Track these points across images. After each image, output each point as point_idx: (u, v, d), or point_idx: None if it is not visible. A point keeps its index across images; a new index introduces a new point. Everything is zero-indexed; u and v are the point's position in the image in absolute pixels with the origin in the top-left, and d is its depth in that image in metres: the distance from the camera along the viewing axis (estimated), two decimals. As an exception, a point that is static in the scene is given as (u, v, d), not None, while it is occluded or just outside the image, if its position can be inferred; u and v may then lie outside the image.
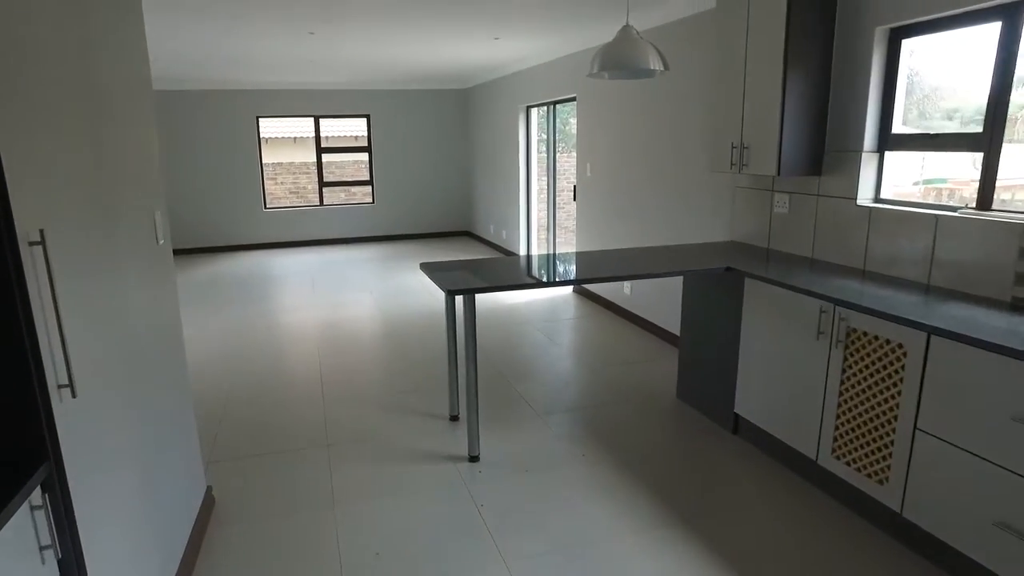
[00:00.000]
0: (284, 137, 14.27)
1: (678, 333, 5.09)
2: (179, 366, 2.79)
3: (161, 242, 2.60)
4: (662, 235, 5.44)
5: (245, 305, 7.00)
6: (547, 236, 8.43)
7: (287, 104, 10.23)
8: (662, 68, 3.12)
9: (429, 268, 3.69)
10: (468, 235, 11.34)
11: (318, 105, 10.35)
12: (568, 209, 8.77)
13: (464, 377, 3.44)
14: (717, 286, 3.81)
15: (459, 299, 3.51)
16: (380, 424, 4.01)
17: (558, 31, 6.10)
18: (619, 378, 4.72)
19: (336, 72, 8.96)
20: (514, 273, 3.65)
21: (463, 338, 3.45)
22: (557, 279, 3.54)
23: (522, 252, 9.00)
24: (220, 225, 10.28)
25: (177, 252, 10.11)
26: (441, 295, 6.72)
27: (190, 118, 9.83)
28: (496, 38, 6.41)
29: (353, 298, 7.22)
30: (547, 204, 8.38)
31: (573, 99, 7.11)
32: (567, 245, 8.54)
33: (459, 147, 11.09)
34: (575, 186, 7.15)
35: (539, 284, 3.38)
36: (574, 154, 9.10)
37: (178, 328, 2.86)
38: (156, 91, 9.52)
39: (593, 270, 3.76)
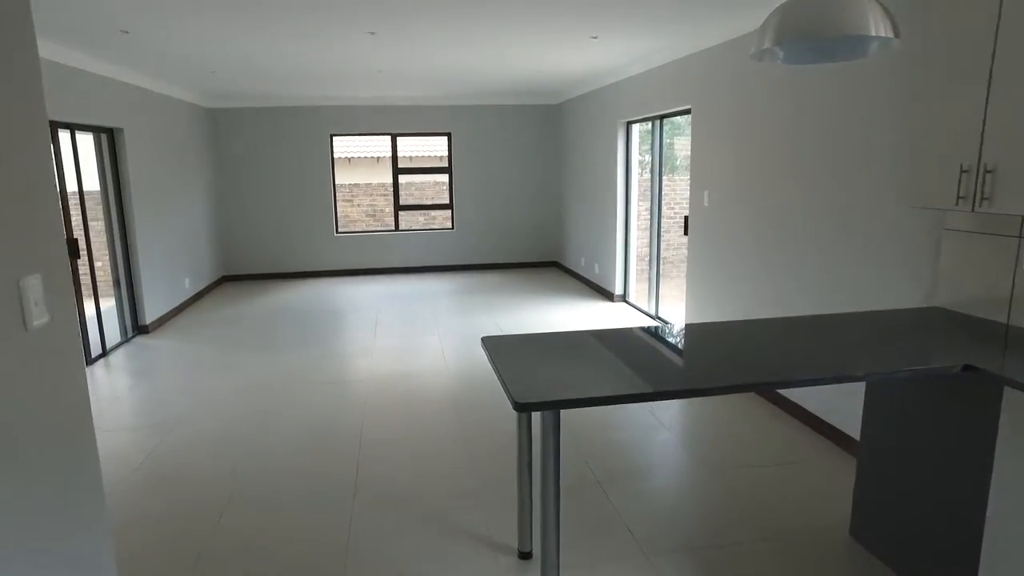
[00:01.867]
0: (367, 157, 13.69)
1: (848, 431, 3.69)
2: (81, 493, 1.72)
3: (37, 323, 1.53)
4: (811, 290, 4.06)
5: (292, 349, 6.10)
6: (648, 272, 7.15)
7: (362, 121, 9.47)
8: (890, 35, 1.85)
9: (495, 350, 2.54)
10: (556, 267, 10.18)
11: (395, 122, 9.53)
12: (672, 240, 7.46)
13: (540, 507, 2.29)
14: (936, 387, 2.45)
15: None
16: (422, 554, 2.87)
17: (668, 27, 4.88)
18: (757, 491, 3.39)
19: (410, 85, 8.08)
20: (616, 369, 2.43)
21: (540, 456, 2.27)
22: (692, 386, 2.27)
23: (617, 290, 7.73)
24: (289, 250, 9.61)
25: (243, 278, 9.50)
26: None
27: (260, 137, 9.23)
28: (594, 36, 5.26)
29: (418, 344, 6.18)
30: (649, 235, 7.10)
31: (686, 112, 5.84)
32: (672, 285, 7.21)
33: (548, 169, 9.98)
34: (686, 217, 5.85)
35: (661, 395, 2.14)
36: (683, 178, 7.79)
37: (85, 446, 1.79)
38: (219, 109, 9.00)
39: (732, 361, 2.49)
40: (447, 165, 9.91)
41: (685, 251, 5.89)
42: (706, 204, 5.39)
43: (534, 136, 9.88)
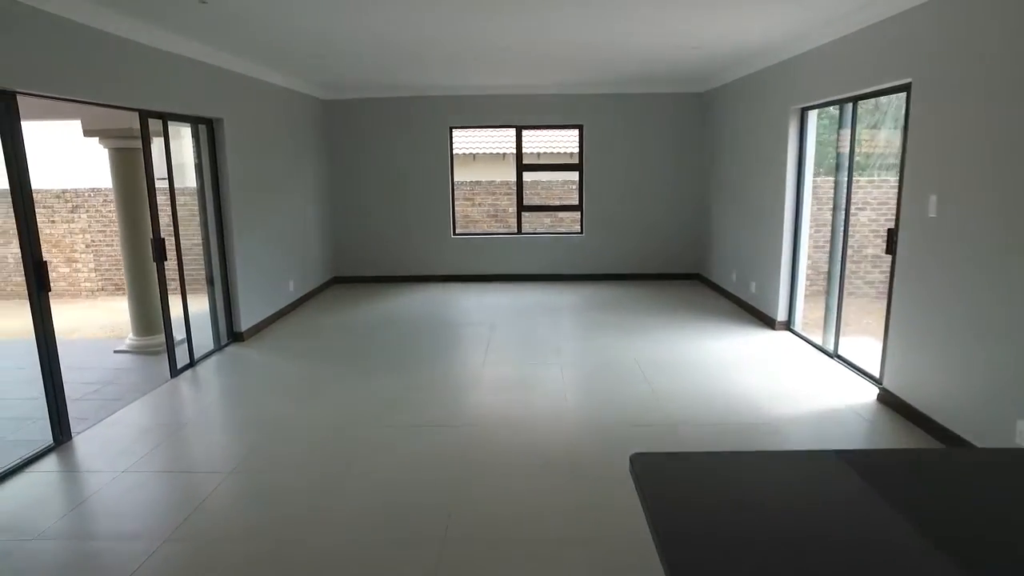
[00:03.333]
0: (490, 153, 12.90)
1: None
2: None
3: None
4: None
5: (389, 372, 5.26)
6: (825, 298, 5.66)
7: (485, 113, 8.58)
8: None
9: (651, 486, 1.44)
10: (699, 281, 8.78)
11: (521, 114, 8.55)
12: (863, 260, 5.91)
13: None
14: None
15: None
16: None
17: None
18: None
19: (540, 70, 7.05)
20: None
21: None
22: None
23: (779, 315, 6.28)
24: (402, 251, 8.92)
25: (354, 280, 8.92)
26: (673, 391, 4.40)
27: (375, 130, 8.59)
28: (778, -11, 3.96)
29: (535, 376, 5.14)
30: (830, 250, 5.61)
31: (900, 89, 4.37)
32: (855, 313, 5.68)
33: (692, 167, 8.61)
34: (891, 230, 4.40)
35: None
36: (886, 180, 6.19)
37: None
38: (333, 100, 8.42)
39: None
40: (577, 162, 8.80)
41: (872, 273, 4.42)
42: (932, 214, 3.91)
43: (677, 129, 8.54)
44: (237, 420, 4.43)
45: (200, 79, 5.42)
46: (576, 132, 8.78)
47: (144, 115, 4.79)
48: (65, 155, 14.82)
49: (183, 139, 5.61)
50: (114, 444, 4.02)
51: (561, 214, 10.46)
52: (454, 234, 8.94)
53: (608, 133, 8.54)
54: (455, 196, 8.98)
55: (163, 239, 5.03)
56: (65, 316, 8.57)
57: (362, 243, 8.89)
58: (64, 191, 10.00)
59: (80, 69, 4.07)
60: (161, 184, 5.03)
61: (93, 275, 10.05)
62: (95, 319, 8.27)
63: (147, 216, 5.14)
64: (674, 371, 5.11)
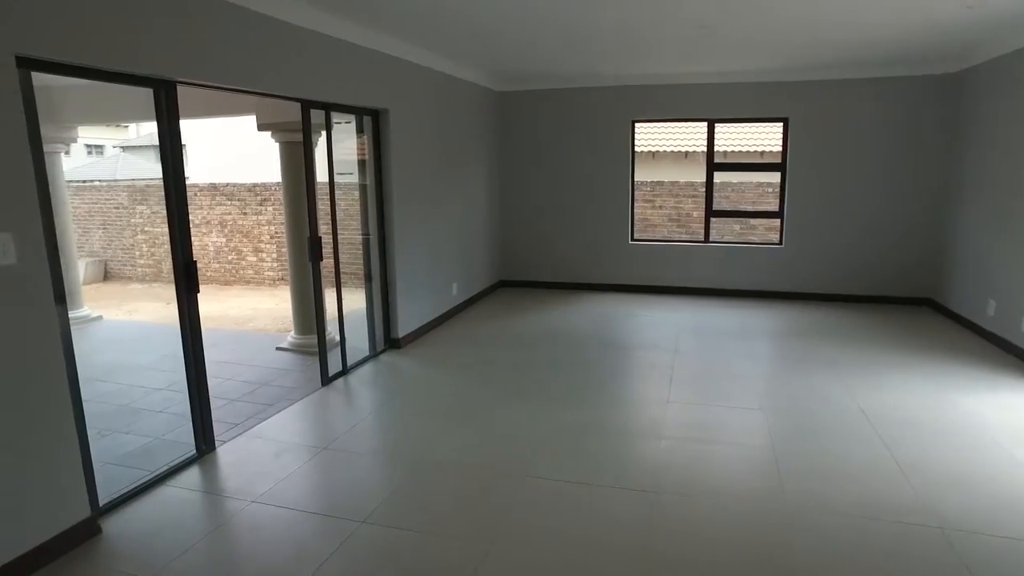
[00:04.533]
0: (672, 151, 11.79)
1: None
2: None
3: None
4: None
5: (550, 400, 4.53)
6: None
7: (671, 105, 7.58)
8: None
9: None
10: (930, 307, 7.14)
11: (713, 105, 7.45)
12: None
13: None
14: None
15: None
16: None
17: None
18: None
19: (740, 54, 5.97)
20: None
21: None
22: None
23: (1067, 365, 4.71)
24: (575, 256, 8.18)
25: (522, 285, 8.35)
26: (927, 466, 3.21)
27: (550, 124, 7.92)
28: None
29: (731, 423, 4.15)
30: None
31: None
32: None
33: (929, 166, 6.97)
34: None
35: None
36: None
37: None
38: (507, 92, 7.85)
39: None
40: (780, 161, 7.53)
41: None
42: None
43: (908, 120, 6.95)
44: (382, 448, 3.93)
45: (365, 67, 5.05)
46: (777, 126, 7.52)
47: (306, 105, 4.48)
48: (259, 151, 15.87)
49: (346, 131, 5.29)
50: (253, 462, 3.68)
51: (754, 221, 9.18)
52: (632, 240, 8.04)
53: (819, 126, 7.17)
54: (634, 198, 8.08)
55: (319, 238, 4.70)
56: (247, 303, 8.90)
57: (531, 246, 8.30)
58: (255, 185, 10.50)
59: (237, 56, 3.76)
60: (323, 179, 4.71)
61: (275, 265, 10.46)
62: (271, 309, 8.47)
63: (307, 212, 4.85)
64: (920, 434, 3.88)
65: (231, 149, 16.73)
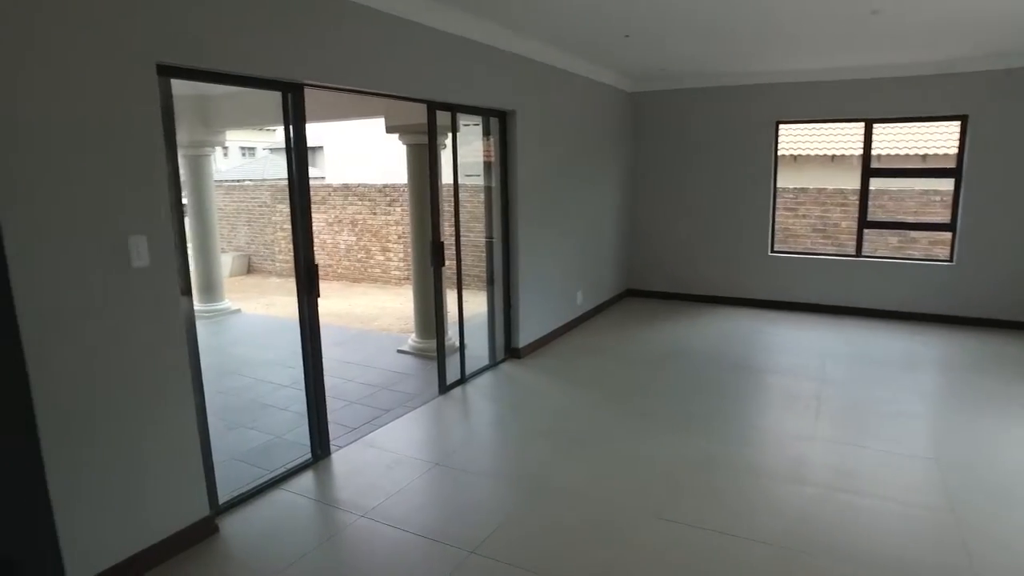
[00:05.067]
0: (819, 154, 10.83)
1: None
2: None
3: (137, 264, 2.40)
4: None
5: (674, 428, 4.13)
6: None
7: (822, 103, 6.85)
8: None
9: None
10: None
11: (872, 103, 6.65)
12: None
13: None
14: None
15: None
16: None
17: None
18: None
19: (909, 42, 5.22)
20: None
21: None
22: None
23: None
24: (708, 267, 7.64)
25: (650, 296, 7.92)
26: None
27: (683, 124, 7.43)
28: None
29: (893, 473, 3.57)
30: None
31: None
32: None
33: None
34: None
35: None
36: None
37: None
38: (641, 92, 7.44)
39: None
40: (954, 165, 6.59)
41: None
42: None
43: None
44: (497, 468, 3.73)
45: (492, 67, 4.87)
46: (947, 126, 6.59)
47: (431, 107, 4.37)
48: (389, 152, 16.35)
49: (472, 133, 5.16)
50: (366, 473, 3.60)
51: (913, 233, 8.18)
52: (772, 251, 7.39)
53: (1010, 125, 6.19)
54: (776, 205, 7.41)
55: (442, 243, 4.58)
56: (373, 301, 9.10)
57: (661, 254, 7.85)
58: (385, 186, 10.76)
59: (363, 57, 3.69)
60: (449, 181, 4.59)
61: (401, 265, 10.66)
62: (395, 308, 8.59)
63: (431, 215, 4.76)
64: None
65: (364, 150, 17.42)
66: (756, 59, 6.06)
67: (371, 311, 8.42)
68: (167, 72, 2.75)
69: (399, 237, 10.64)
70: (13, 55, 2.21)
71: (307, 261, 3.50)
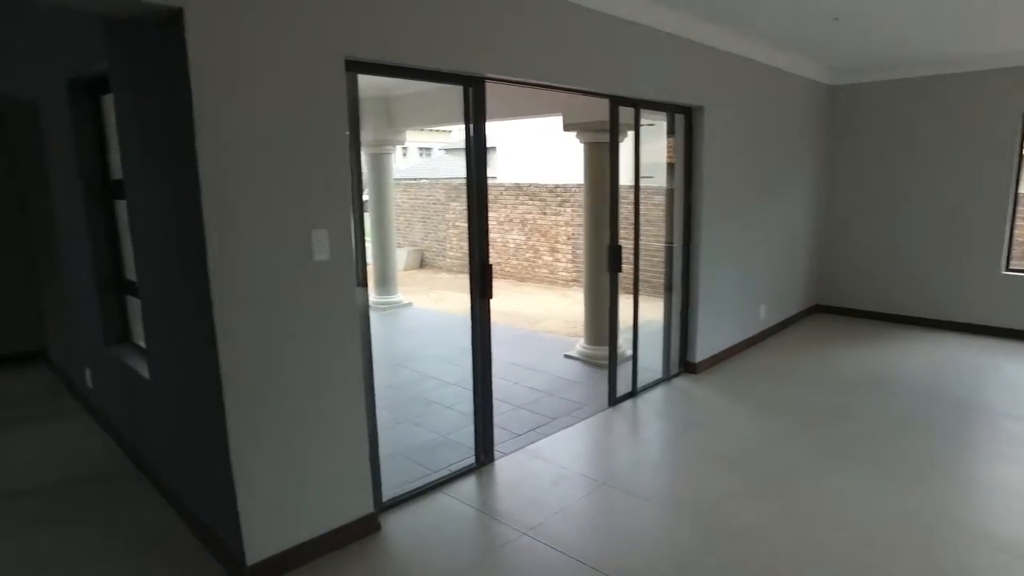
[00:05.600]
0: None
1: None
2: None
3: (318, 258, 2.51)
4: None
5: (870, 472, 3.50)
6: None
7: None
8: None
9: None
10: None
11: None
12: None
13: None
14: None
15: None
16: None
17: None
18: None
19: None
20: None
21: None
22: None
23: None
24: (918, 283, 6.63)
25: (844, 313, 7.06)
26: None
27: (891, 119, 6.48)
28: None
29: None
30: None
31: None
32: None
33: None
34: None
35: None
36: None
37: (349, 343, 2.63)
38: (844, 85, 6.59)
39: None
40: None
41: None
42: None
43: None
44: (669, 496, 3.38)
45: (679, 59, 4.49)
46: None
47: (615, 102, 4.10)
48: (562, 152, 16.27)
49: (652, 131, 4.81)
50: (529, 485, 3.42)
51: None
52: (1006, 269, 6.23)
53: None
54: (1015, 214, 6.24)
55: (620, 247, 4.30)
56: (540, 302, 9.02)
57: (860, 266, 6.96)
58: (557, 186, 10.66)
59: (545, 50, 3.50)
60: (626, 182, 4.30)
61: (569, 266, 10.51)
62: (562, 311, 8.44)
63: (608, 218, 4.50)
64: None
65: (536, 150, 17.52)
66: (997, 38, 5.10)
67: (537, 312, 8.33)
68: (354, 68, 2.74)
69: (568, 238, 10.50)
70: (229, 59, 2.28)
71: (482, 261, 3.39)
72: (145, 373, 3.29)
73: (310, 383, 2.67)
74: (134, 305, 3.73)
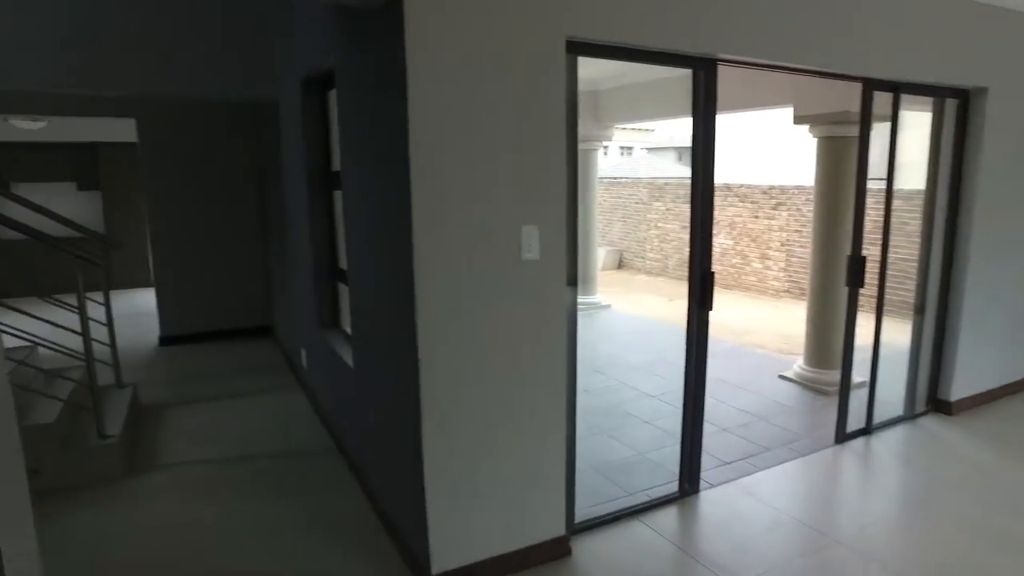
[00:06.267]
0: None
1: None
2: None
3: (527, 257, 2.37)
4: None
5: None
6: None
7: None
8: None
9: None
10: None
11: None
12: None
13: None
14: None
15: None
16: None
17: None
18: None
19: None
20: None
21: None
22: None
23: None
24: None
25: None
26: None
27: None
28: None
29: None
30: None
31: None
32: None
33: None
34: None
35: None
36: None
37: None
38: None
39: None
40: None
41: None
42: None
43: None
44: (915, 573, 2.74)
45: (954, 27, 3.67)
46: None
47: (869, 86, 3.45)
48: (778, 150, 14.96)
49: (911, 121, 4.03)
50: (740, 528, 2.97)
51: None
52: None
53: None
54: None
55: (863, 258, 3.64)
56: (747, 313, 8.28)
57: None
58: (771, 187, 9.74)
59: (787, 24, 2.98)
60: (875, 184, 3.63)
61: (781, 275, 9.55)
62: (772, 323, 7.65)
63: (846, 223, 3.85)
64: None
65: (747, 147, 16.34)
66: None
67: (745, 323, 7.63)
68: (575, 49, 2.50)
69: (782, 244, 9.54)
70: (445, 45, 2.17)
71: (703, 267, 3.01)
72: (349, 361, 3.36)
73: (510, 388, 2.50)
74: (346, 292, 3.87)
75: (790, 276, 9.40)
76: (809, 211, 8.87)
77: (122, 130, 6.88)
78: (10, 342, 3.85)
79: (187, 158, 6.19)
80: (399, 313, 2.42)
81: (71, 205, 9.10)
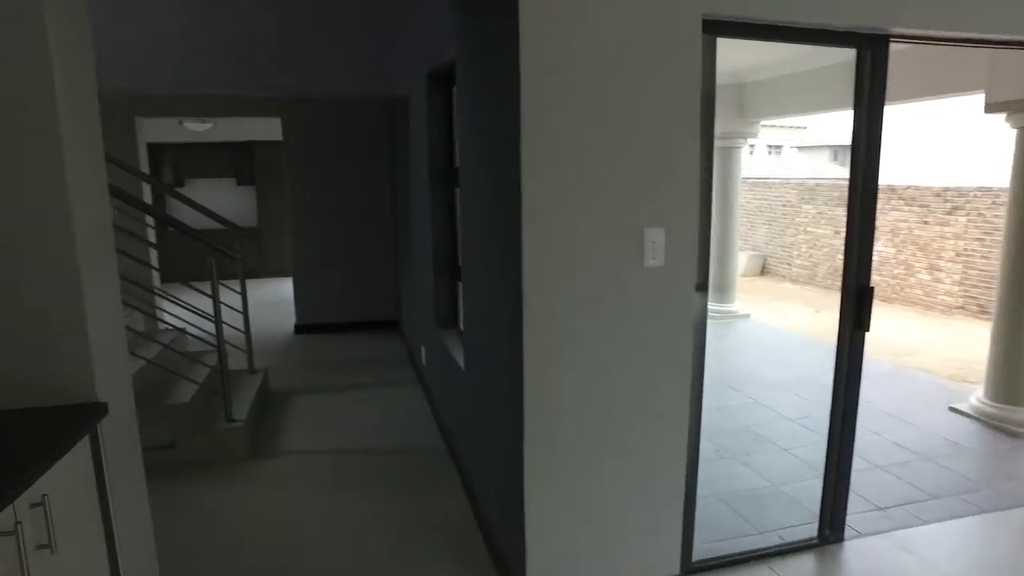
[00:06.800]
0: None
1: None
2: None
3: (650, 264, 2.09)
4: None
5: None
6: None
7: None
8: None
9: None
10: None
11: None
12: None
13: None
14: None
15: None
16: None
17: None
18: None
19: None
20: None
21: None
22: None
23: None
24: None
25: None
26: None
27: None
28: None
29: None
30: None
31: None
32: None
33: None
34: None
35: None
36: None
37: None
38: None
39: None
40: None
41: None
42: None
43: None
44: None
45: None
46: None
47: None
48: (954, 146, 13.30)
49: None
50: (894, 591, 2.52)
51: None
52: None
53: None
54: None
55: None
56: (911, 330, 7.36)
57: None
58: (945, 189, 8.60)
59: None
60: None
61: (955, 288, 8.41)
62: (941, 344, 6.73)
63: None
64: None
65: (915, 144, 14.68)
66: None
67: (908, 342, 6.77)
68: (713, 29, 2.19)
69: (957, 254, 8.40)
70: (564, 27, 1.96)
71: (860, 282, 2.57)
72: (462, 363, 3.24)
73: (624, 407, 2.24)
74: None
75: (966, 291, 8.24)
76: (995, 216, 7.72)
77: (272, 129, 7.32)
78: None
79: (326, 155, 6.45)
80: (506, 317, 2.26)
81: (231, 198, 9.90)
